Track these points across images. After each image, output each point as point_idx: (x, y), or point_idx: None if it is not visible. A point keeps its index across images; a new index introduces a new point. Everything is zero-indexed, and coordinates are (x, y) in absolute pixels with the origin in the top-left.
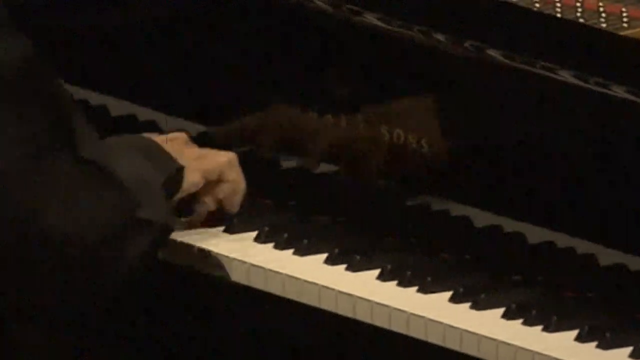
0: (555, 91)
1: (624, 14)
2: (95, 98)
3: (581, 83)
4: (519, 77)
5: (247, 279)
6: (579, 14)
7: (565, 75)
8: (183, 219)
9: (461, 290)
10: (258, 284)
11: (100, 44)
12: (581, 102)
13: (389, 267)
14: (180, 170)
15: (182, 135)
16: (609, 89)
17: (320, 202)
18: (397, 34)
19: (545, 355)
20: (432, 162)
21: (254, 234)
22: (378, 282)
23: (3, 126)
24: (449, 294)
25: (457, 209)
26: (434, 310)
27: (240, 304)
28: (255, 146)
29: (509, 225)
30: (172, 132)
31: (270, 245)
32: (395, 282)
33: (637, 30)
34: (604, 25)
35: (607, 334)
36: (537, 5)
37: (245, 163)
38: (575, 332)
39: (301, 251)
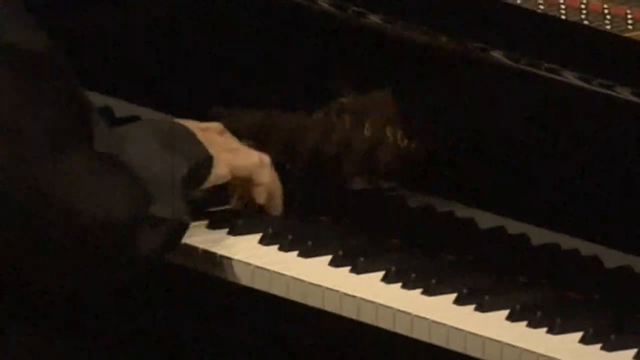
0: (560, 93)
1: (629, 16)
2: (99, 99)
3: (585, 85)
4: (523, 79)
5: (252, 280)
6: (583, 16)
7: (570, 77)
8: (209, 209)
9: (465, 292)
10: (262, 285)
11: (104, 45)
12: (585, 104)
13: (393, 269)
14: (209, 159)
15: (217, 125)
16: (614, 91)
17: (325, 204)
18: (401, 36)
19: (550, 357)
20: (437, 164)
21: (258, 235)
22: (382, 284)
23: (31, 115)
24: (453, 295)
25: (462, 211)
26: (438, 312)
27: (245, 305)
28: (259, 148)
29: (513, 227)
30: (205, 123)
31: (275, 247)
32: (399, 284)
33: None
34: (608, 27)
35: (612, 336)
36: (542, 6)
37: None
38: (579, 334)
39: (306, 253)
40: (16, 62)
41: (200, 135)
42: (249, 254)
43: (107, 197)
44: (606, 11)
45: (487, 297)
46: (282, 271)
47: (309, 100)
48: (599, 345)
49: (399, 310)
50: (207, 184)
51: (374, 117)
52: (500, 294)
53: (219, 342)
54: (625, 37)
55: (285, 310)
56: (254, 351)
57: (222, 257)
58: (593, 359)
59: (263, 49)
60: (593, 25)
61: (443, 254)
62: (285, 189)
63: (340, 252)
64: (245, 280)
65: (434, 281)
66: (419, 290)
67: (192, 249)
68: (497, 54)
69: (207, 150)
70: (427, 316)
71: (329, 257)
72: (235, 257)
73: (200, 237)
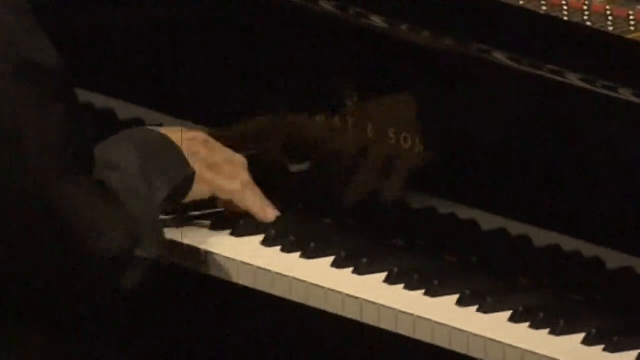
0: (562, 94)
1: (631, 17)
2: (102, 101)
3: (588, 86)
4: (525, 80)
5: (254, 282)
6: (586, 17)
7: (572, 78)
8: (192, 213)
9: (468, 293)
10: (265, 286)
11: (107, 47)
12: (588, 105)
13: (396, 270)
14: (190, 176)
15: (201, 135)
16: (616, 92)
17: (328, 206)
18: (404, 37)
19: (553, 359)
20: (439, 165)
21: (260, 237)
22: (385, 285)
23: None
24: (455, 297)
25: (464, 212)
26: (440, 313)
27: (247, 306)
28: (262, 149)
29: (516, 228)
30: (191, 131)
31: (277, 248)
32: (402, 285)
33: None
34: (610, 28)
35: (614, 337)
36: (544, 8)
37: (252, 166)
38: (582, 335)
39: (308, 254)
40: (32, 78)
41: (186, 147)
42: (252, 255)
43: (102, 229)
44: (608, 12)
45: (489, 299)
46: (284, 272)
47: (311, 101)
48: (601, 347)
49: (401, 312)
50: (187, 200)
51: (376, 119)
52: (502, 295)
53: (221, 343)
54: (628, 39)
55: (287, 312)
56: (256, 352)
57: (224, 258)
58: None
59: (265, 50)
60: (595, 26)
61: (445, 256)
62: (287, 190)
63: (343, 254)
64: (247, 281)
65: (436, 282)
66: (421, 292)
67: (195, 250)
68: (499, 56)
69: (189, 166)
70: (430, 317)
71: (331, 258)
72: (238, 258)
73: (202, 238)
